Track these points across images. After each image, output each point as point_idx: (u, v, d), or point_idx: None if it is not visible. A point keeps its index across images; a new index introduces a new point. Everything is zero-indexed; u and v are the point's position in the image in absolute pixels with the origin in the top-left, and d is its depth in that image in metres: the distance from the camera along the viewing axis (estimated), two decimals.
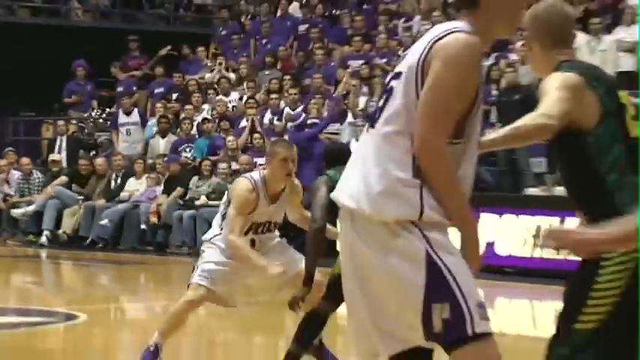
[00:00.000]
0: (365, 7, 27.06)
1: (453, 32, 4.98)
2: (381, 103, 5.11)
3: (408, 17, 25.29)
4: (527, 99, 17.89)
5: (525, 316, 15.61)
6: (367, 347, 5.06)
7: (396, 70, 5.12)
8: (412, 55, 5.04)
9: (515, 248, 18.22)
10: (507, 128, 5.43)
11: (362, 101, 22.53)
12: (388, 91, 5.09)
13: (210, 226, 20.33)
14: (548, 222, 17.32)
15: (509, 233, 18.28)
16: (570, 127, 5.28)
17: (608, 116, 5.31)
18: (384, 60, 23.78)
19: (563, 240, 4.62)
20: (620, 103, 5.38)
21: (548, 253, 16.03)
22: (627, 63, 20.37)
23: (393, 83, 5.08)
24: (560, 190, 17.93)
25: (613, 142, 5.33)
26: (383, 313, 4.87)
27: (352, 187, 5.04)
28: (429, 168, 4.86)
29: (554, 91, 5.27)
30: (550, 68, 5.48)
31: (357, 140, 20.77)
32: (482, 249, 5.29)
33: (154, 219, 22.12)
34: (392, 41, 24.61)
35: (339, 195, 5.10)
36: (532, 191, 19.69)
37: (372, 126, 5.07)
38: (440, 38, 4.98)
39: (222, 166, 21.95)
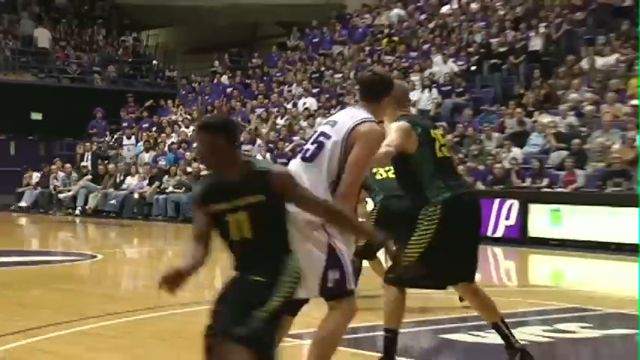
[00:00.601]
0: (265, 78, 27.17)
1: (365, 122, 4.54)
2: (312, 147, 4.55)
3: (290, 84, 25.53)
4: None
5: None
6: None
7: (324, 130, 4.58)
8: (336, 133, 4.53)
9: None
10: None
11: (264, 131, 22.59)
12: (319, 143, 4.54)
13: (176, 206, 20.84)
14: None
15: None
16: (402, 152, 5.14)
17: (422, 145, 5.16)
18: (276, 109, 24.00)
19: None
20: (431, 137, 5.21)
21: None
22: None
23: (323, 139, 4.55)
24: None
25: (425, 161, 5.16)
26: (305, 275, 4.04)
27: None
28: (343, 203, 4.35)
29: (394, 132, 5.15)
30: (394, 119, 5.24)
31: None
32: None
33: (142, 200, 22.18)
34: (280, 98, 24.83)
35: None
36: None
37: (305, 160, 4.53)
38: (358, 124, 4.53)
39: (183, 169, 21.86)
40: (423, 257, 5.10)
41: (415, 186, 5.22)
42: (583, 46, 19.46)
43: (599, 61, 18.53)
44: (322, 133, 4.59)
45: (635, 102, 14.76)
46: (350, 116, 4.63)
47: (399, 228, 5.89)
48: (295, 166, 4.56)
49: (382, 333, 5.29)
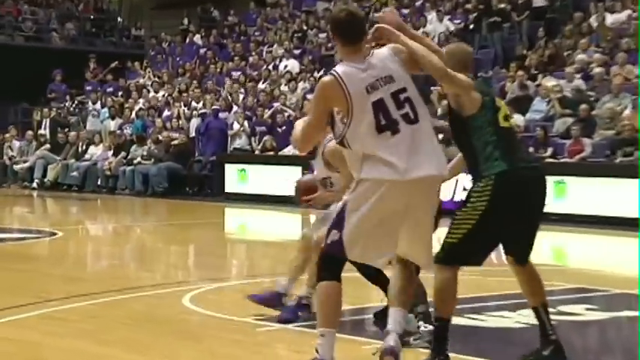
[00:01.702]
0: (242, 38, 27.02)
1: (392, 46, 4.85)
2: (407, 108, 4.69)
3: (270, 44, 25.42)
4: None
5: None
6: None
7: (393, 88, 4.69)
8: (400, 79, 4.74)
9: None
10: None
11: (241, 96, 22.53)
12: (406, 99, 4.71)
13: (144, 178, 20.78)
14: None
15: None
16: (460, 114, 5.03)
17: (485, 109, 5.01)
18: (255, 72, 23.92)
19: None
20: (496, 104, 5.10)
21: None
22: None
23: (404, 94, 4.71)
24: None
25: (485, 127, 4.99)
26: None
27: None
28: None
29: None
30: None
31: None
32: None
33: (107, 172, 22.12)
34: (260, 60, 24.74)
35: None
36: None
37: (413, 122, 4.70)
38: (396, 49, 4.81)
39: (152, 138, 21.77)
40: (467, 238, 4.91)
41: (471, 154, 5.04)
42: (592, 2, 19.48)
43: (610, 18, 18.57)
44: (398, 92, 4.68)
45: None
46: (382, 57, 4.75)
47: None
48: (397, 142, 4.63)
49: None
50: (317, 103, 4.85)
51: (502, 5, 20.79)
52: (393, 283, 5.00)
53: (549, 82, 17.45)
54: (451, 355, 5.04)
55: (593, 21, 18.85)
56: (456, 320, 6.34)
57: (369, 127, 4.67)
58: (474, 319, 6.51)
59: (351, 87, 4.69)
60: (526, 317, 6.27)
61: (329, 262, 4.82)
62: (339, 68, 4.78)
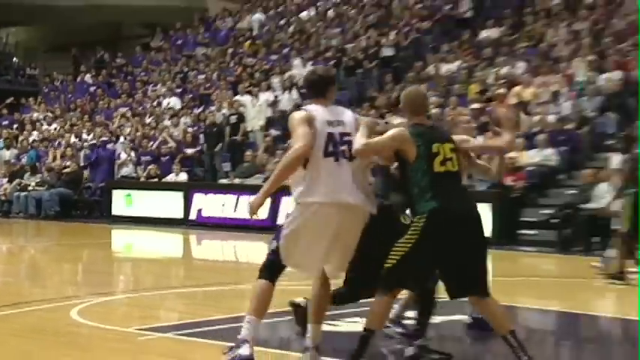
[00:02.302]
0: (129, 77, 26.59)
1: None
2: (346, 147, 4.93)
3: (154, 84, 25.09)
4: None
5: None
6: None
7: (341, 130, 4.95)
8: (350, 128, 5.00)
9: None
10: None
11: (128, 130, 22.14)
12: (349, 142, 4.95)
13: (37, 203, 20.03)
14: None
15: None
16: (403, 159, 5.02)
17: (420, 158, 4.94)
18: (141, 108, 23.57)
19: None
20: (433, 151, 4.98)
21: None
22: None
23: (348, 138, 4.96)
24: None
25: (420, 173, 4.93)
26: None
27: None
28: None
29: (385, 135, 5.07)
30: (405, 127, 5.14)
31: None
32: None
33: (2, 197, 21.25)
34: (145, 97, 24.38)
35: None
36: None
37: (350, 159, 4.94)
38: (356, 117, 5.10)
39: (46, 167, 21.15)
40: (401, 264, 4.84)
41: (410, 193, 4.97)
42: (429, 53, 20.07)
43: (443, 68, 19.14)
44: (344, 134, 4.95)
45: (475, 105, 15.27)
46: (342, 111, 5.07)
47: None
48: (335, 168, 4.86)
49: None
50: (297, 127, 4.95)
51: (356, 54, 21.18)
52: (311, 301, 5.18)
53: (395, 120, 17.67)
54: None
55: (431, 69, 19.41)
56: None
57: (319, 149, 4.91)
58: (330, 324, 6.47)
59: (319, 115, 4.99)
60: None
61: (270, 265, 5.06)
62: (310, 107, 5.08)
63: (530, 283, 10.06)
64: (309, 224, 4.87)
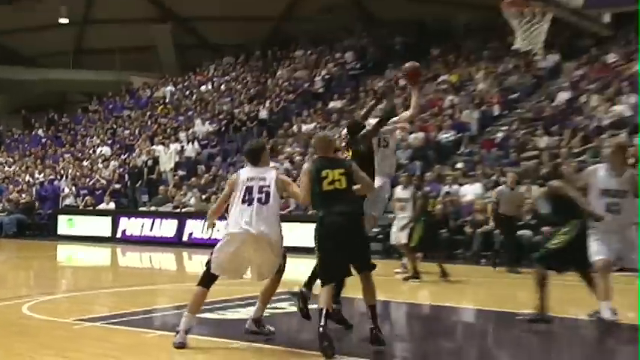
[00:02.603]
0: (72, 132, 25.35)
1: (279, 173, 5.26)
2: (263, 194, 4.99)
3: (91, 136, 24.07)
4: None
5: None
6: None
7: (260, 184, 5.00)
8: (270, 182, 5.04)
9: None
10: None
11: (70, 170, 21.09)
12: (266, 192, 5.00)
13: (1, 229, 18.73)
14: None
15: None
16: None
17: (313, 181, 4.99)
18: (80, 154, 22.49)
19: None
20: (321, 175, 4.99)
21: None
22: None
23: (267, 189, 5.01)
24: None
25: (314, 193, 4.99)
26: None
27: None
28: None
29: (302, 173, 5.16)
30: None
31: None
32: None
33: None
34: (84, 147, 23.34)
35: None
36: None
37: (264, 203, 4.99)
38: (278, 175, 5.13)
39: (6, 198, 20.00)
40: (319, 262, 4.93)
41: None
42: (294, 117, 20.39)
43: (304, 127, 19.48)
44: (263, 186, 4.98)
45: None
46: (266, 170, 5.10)
47: None
48: (252, 209, 4.92)
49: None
50: (226, 186, 5.21)
51: (241, 117, 21.21)
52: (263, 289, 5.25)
53: (271, 165, 17.82)
54: (204, 338, 4.99)
55: (295, 128, 19.71)
56: (208, 315, 6.31)
57: (239, 198, 5.04)
58: (219, 314, 6.42)
59: (242, 175, 5.14)
60: (249, 312, 6.26)
61: (207, 274, 5.07)
62: (242, 170, 5.22)
63: None
64: (227, 247, 4.99)
